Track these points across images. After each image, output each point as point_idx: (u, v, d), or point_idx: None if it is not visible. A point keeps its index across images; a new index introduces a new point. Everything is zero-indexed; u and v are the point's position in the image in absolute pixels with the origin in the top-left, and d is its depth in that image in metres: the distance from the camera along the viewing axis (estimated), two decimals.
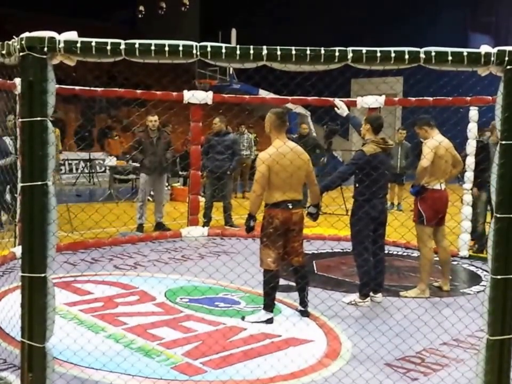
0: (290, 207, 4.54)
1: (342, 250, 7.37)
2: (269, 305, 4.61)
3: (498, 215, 2.98)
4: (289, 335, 4.29)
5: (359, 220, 5.03)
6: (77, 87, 7.74)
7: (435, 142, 5.24)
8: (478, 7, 19.56)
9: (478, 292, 5.54)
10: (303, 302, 4.74)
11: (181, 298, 5.08)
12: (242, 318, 4.62)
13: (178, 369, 3.70)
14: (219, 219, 8.91)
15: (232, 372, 3.65)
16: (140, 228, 8.21)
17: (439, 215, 5.51)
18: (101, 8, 26.11)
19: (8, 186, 7.29)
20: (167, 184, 11.52)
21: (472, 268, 6.68)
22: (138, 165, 8.73)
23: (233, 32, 18.47)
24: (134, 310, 4.80)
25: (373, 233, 5.11)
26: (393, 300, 5.07)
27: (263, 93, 16.54)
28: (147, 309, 4.86)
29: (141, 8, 28.54)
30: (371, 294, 5.17)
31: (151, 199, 9.24)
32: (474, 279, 6.26)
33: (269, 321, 4.57)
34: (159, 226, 8.36)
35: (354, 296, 5.14)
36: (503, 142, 2.95)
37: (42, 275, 2.89)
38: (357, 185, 5.10)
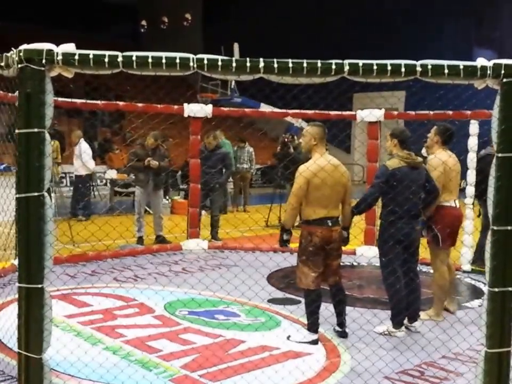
0: (330, 224, 4.30)
1: (342, 263, 7.35)
2: (313, 325, 4.39)
3: (495, 228, 2.97)
4: (288, 348, 4.28)
5: (383, 244, 4.59)
6: (78, 100, 7.76)
7: (445, 155, 5.00)
8: (483, 20, 19.55)
9: (479, 306, 5.51)
10: (341, 323, 4.56)
11: (180, 311, 5.06)
12: (288, 337, 4.45)
13: (175, 382, 3.68)
14: (221, 231, 8.89)
15: None
16: (140, 240, 8.21)
17: (456, 235, 5.09)
18: (103, 23, 26.36)
19: None
20: (167, 197, 11.54)
21: (473, 282, 6.65)
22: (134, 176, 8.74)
23: (236, 46, 18.55)
24: (132, 322, 4.78)
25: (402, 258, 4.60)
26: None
27: (264, 107, 16.56)
28: (146, 321, 4.84)
29: (143, 22, 28.78)
30: (406, 322, 4.74)
31: (151, 212, 9.23)
32: (476, 293, 6.23)
33: (314, 342, 4.36)
34: (159, 239, 8.37)
35: (388, 326, 4.69)
36: (499, 155, 2.94)
37: (39, 286, 2.88)
38: (383, 204, 4.65)
